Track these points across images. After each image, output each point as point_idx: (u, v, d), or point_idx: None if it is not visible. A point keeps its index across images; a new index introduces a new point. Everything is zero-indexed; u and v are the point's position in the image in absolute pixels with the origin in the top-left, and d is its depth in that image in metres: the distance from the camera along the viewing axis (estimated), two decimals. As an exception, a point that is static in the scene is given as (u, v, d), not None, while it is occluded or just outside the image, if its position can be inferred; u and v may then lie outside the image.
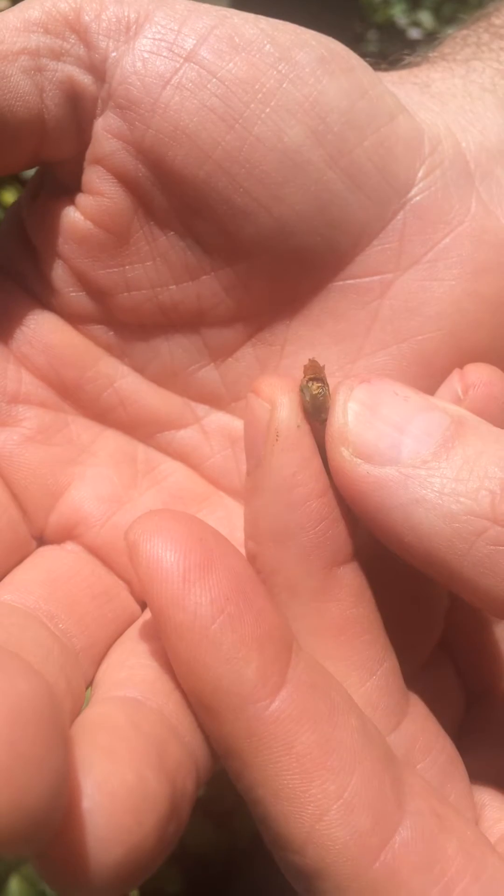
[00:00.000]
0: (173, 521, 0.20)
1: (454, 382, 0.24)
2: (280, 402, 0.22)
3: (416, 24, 1.67)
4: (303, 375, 0.22)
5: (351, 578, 0.22)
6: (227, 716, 0.18)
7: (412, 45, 0.31)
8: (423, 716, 0.22)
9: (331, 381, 0.25)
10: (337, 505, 0.21)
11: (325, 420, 0.21)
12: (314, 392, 0.21)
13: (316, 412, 0.21)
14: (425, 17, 1.68)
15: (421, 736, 0.22)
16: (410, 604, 0.24)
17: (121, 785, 0.16)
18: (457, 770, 0.22)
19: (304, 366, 0.22)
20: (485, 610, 0.20)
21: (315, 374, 0.22)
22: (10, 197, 1.00)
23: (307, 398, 0.21)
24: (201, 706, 0.19)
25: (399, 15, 1.69)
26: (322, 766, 0.18)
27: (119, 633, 0.23)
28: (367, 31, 1.70)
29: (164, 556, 0.19)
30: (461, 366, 0.24)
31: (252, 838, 1.03)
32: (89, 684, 0.21)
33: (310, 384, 0.22)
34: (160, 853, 0.17)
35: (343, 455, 0.20)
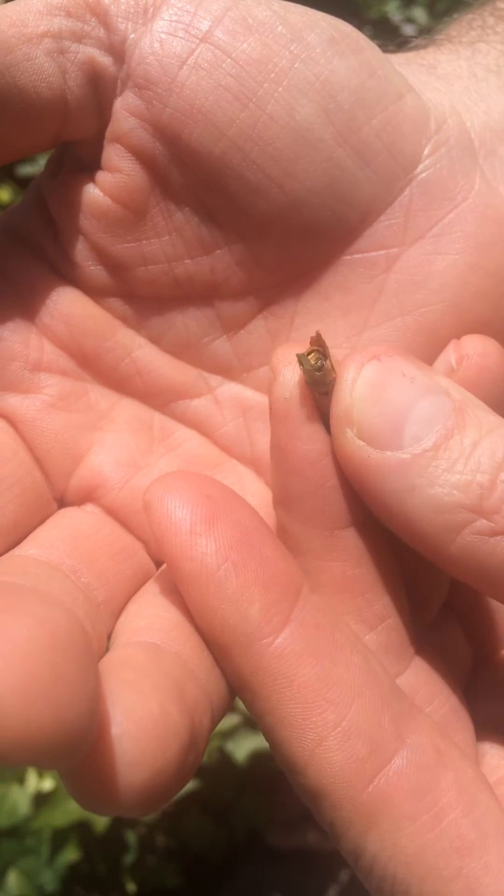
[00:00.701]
0: (184, 481, 0.21)
1: (450, 353, 0.24)
2: (277, 374, 0.22)
3: (411, 20, 1.68)
4: (308, 347, 0.23)
5: (353, 541, 0.22)
6: (236, 652, 0.20)
7: (406, 42, 0.31)
8: (426, 670, 0.23)
9: (338, 352, 0.26)
10: (335, 471, 0.22)
11: (326, 392, 0.22)
12: (310, 366, 0.22)
13: (314, 385, 0.22)
14: (419, 14, 1.69)
15: (423, 688, 0.23)
16: (415, 563, 0.24)
17: (147, 714, 0.18)
18: (460, 720, 0.23)
19: (311, 337, 0.23)
20: (472, 586, 0.21)
21: (317, 346, 0.22)
22: (5, 195, 1.00)
23: (304, 372, 0.22)
24: (214, 645, 0.21)
25: (393, 11, 1.70)
26: (322, 697, 0.20)
27: (136, 589, 0.24)
28: (361, 27, 1.71)
29: (175, 512, 0.21)
30: (461, 337, 0.25)
31: (249, 834, 1.04)
32: (109, 636, 0.22)
33: (308, 357, 0.22)
34: (181, 780, 0.18)
35: (346, 435, 0.21)
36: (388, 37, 0.34)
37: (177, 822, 1.06)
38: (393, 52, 0.30)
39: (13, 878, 0.96)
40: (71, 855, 0.99)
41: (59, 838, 0.98)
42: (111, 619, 0.23)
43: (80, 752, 0.16)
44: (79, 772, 0.17)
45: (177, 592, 0.21)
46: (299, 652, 0.20)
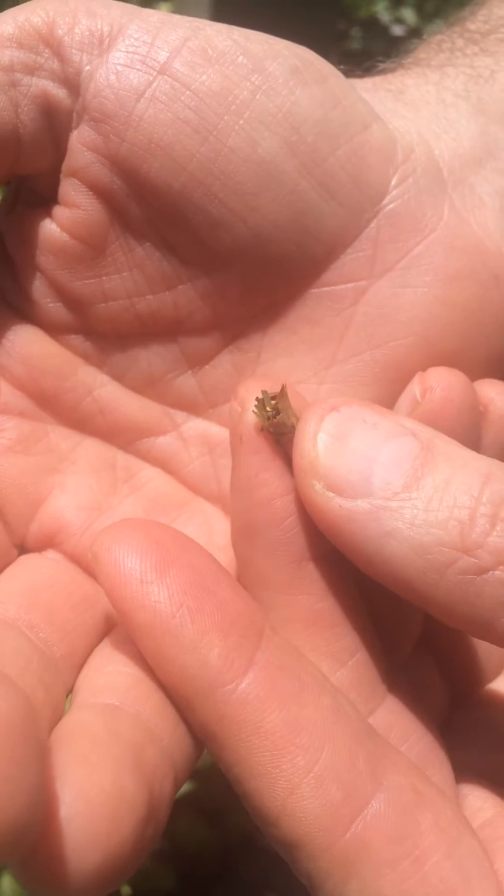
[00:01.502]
0: (132, 529, 0.21)
1: (414, 385, 0.24)
2: (247, 406, 0.22)
3: (400, 20, 1.67)
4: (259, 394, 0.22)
5: (321, 573, 0.22)
6: (199, 702, 0.19)
7: (395, 42, 0.31)
8: (400, 707, 0.23)
9: (305, 388, 0.25)
10: (301, 504, 0.22)
11: (283, 439, 0.22)
12: (265, 413, 0.22)
13: (272, 430, 0.22)
14: (408, 14, 1.69)
15: (397, 725, 0.22)
16: (387, 602, 0.24)
17: (98, 792, 0.17)
18: (437, 759, 0.23)
19: (277, 392, 0.22)
20: (462, 630, 0.21)
21: (278, 398, 0.22)
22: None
23: (259, 417, 0.22)
24: (176, 697, 0.20)
25: (382, 12, 1.69)
26: (291, 742, 0.19)
27: (99, 640, 0.23)
28: (350, 28, 1.70)
29: (123, 561, 0.20)
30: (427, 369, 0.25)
31: (244, 836, 1.04)
32: (70, 691, 0.22)
33: (265, 405, 0.22)
34: (139, 855, 0.18)
35: (314, 488, 0.21)
36: (377, 38, 0.33)
37: (171, 825, 1.06)
38: (360, 76, 0.30)
39: (6, 883, 0.96)
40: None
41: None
42: (71, 675, 0.22)
43: (21, 848, 0.15)
44: (26, 858, 0.16)
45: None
46: (264, 696, 0.19)
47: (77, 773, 0.17)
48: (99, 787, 0.17)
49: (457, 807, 0.21)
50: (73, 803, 0.17)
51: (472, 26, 0.32)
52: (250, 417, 0.22)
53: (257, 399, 0.22)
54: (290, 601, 0.22)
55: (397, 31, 1.61)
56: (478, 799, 0.22)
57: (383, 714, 0.22)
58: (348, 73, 0.30)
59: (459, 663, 0.27)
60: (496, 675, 0.27)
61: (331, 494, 0.20)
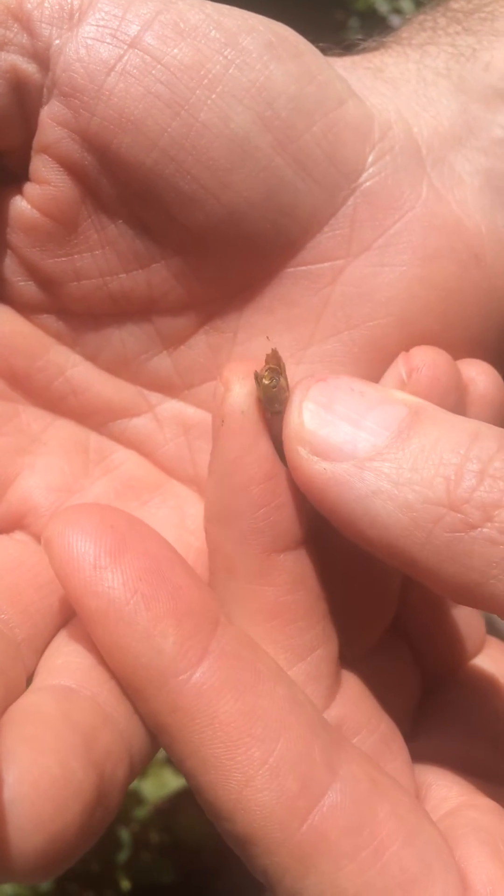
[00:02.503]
0: (86, 513, 0.20)
1: (399, 366, 0.24)
2: (231, 387, 0.22)
3: (398, 10, 1.67)
4: (264, 364, 0.22)
5: (290, 565, 0.22)
6: (151, 692, 0.19)
7: (354, 45, 0.30)
8: (354, 699, 0.22)
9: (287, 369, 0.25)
10: (281, 492, 0.21)
11: (279, 412, 0.21)
12: (265, 383, 0.21)
13: (269, 403, 0.21)
14: (406, 4, 1.68)
15: (350, 718, 0.22)
16: (360, 586, 0.24)
17: (43, 775, 0.17)
18: (389, 750, 0.22)
19: (267, 355, 0.22)
20: (447, 597, 0.20)
21: (273, 364, 0.22)
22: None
23: (259, 389, 0.21)
24: (128, 687, 0.19)
25: (380, 2, 1.69)
26: (246, 733, 0.18)
27: (64, 623, 0.23)
28: (348, 18, 1.69)
29: (76, 545, 0.19)
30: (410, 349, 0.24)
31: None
32: (32, 673, 0.21)
33: (264, 374, 0.22)
34: (86, 838, 0.18)
35: (300, 454, 0.20)
36: (375, 28, 0.33)
37: (170, 819, 1.06)
38: (340, 55, 0.29)
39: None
40: (64, 854, 0.99)
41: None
42: (34, 657, 0.22)
43: None
44: None
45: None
46: (219, 686, 0.19)
47: (23, 754, 0.17)
48: (45, 769, 0.17)
49: (413, 796, 0.20)
50: (17, 785, 0.16)
51: (455, 5, 0.32)
52: (234, 399, 0.21)
53: (257, 372, 0.22)
54: (256, 591, 0.22)
55: (395, 21, 1.60)
56: (443, 788, 0.22)
57: (337, 708, 0.22)
58: (328, 52, 0.29)
59: (436, 645, 0.27)
60: (471, 657, 0.27)
61: (315, 458, 0.20)
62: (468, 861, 0.19)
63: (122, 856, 1.03)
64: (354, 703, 0.22)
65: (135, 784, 1.05)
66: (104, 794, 0.18)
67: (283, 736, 0.19)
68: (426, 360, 0.23)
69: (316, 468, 0.20)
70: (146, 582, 0.19)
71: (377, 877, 0.18)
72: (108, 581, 0.19)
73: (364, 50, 0.30)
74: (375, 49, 0.30)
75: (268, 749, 0.18)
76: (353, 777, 0.19)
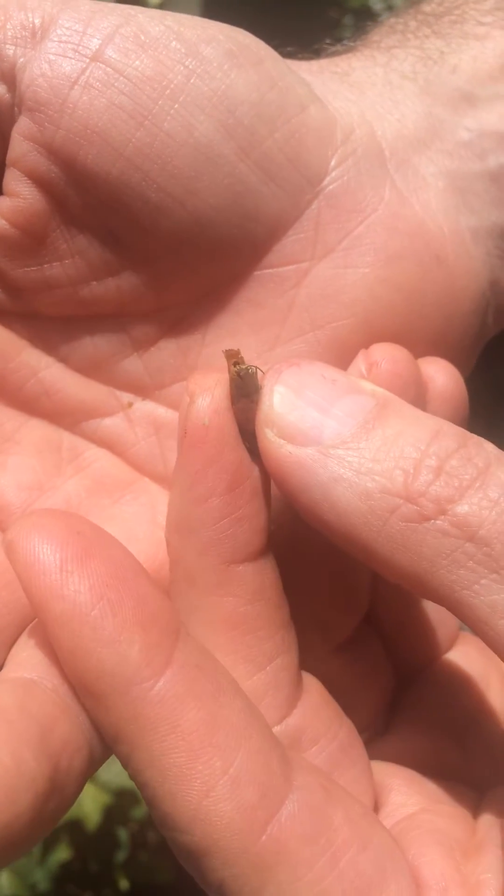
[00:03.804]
0: (50, 518, 0.20)
1: (359, 362, 0.24)
2: (194, 399, 0.22)
3: (391, 8, 1.67)
4: (227, 363, 0.22)
5: (250, 576, 0.22)
6: (113, 699, 0.19)
7: (323, 49, 0.31)
8: (314, 707, 0.22)
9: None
10: (241, 504, 0.21)
11: (252, 398, 0.22)
12: (233, 369, 0.22)
13: (239, 392, 0.22)
14: (399, 2, 1.68)
15: (309, 728, 0.22)
16: (330, 583, 0.24)
17: None
18: (347, 757, 0.22)
19: (224, 352, 0.22)
20: (402, 585, 0.20)
21: (235, 358, 0.22)
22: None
23: (231, 375, 0.22)
24: (87, 693, 0.19)
25: (374, 0, 1.69)
26: (208, 742, 0.18)
27: (32, 617, 0.23)
28: (342, 16, 1.69)
29: (41, 550, 0.19)
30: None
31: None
32: (0, 667, 0.22)
33: (234, 367, 0.22)
34: (38, 829, 0.18)
35: (268, 436, 0.21)
36: (369, 25, 0.33)
37: (169, 818, 1.06)
38: (309, 59, 0.29)
39: (5, 878, 0.97)
40: (63, 854, 0.99)
41: (51, 837, 0.98)
42: (2, 651, 0.22)
43: None
44: None
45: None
46: (183, 695, 0.19)
47: None
48: None
49: (364, 803, 0.21)
50: None
51: (427, 8, 0.32)
52: (197, 411, 0.21)
53: (229, 356, 0.22)
54: (216, 602, 0.22)
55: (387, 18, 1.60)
56: (403, 794, 0.22)
57: (296, 718, 0.22)
58: (297, 55, 0.29)
59: (407, 640, 0.27)
60: (443, 652, 0.27)
61: (282, 441, 0.21)
62: (421, 860, 0.20)
63: (120, 856, 1.03)
64: (314, 711, 0.22)
65: (132, 784, 1.05)
66: (59, 783, 0.18)
67: (244, 746, 0.19)
68: (385, 355, 0.24)
69: (282, 451, 0.20)
70: (112, 588, 0.19)
71: (334, 883, 0.18)
72: (75, 585, 0.19)
73: (333, 54, 0.30)
74: (344, 53, 0.30)
75: (229, 759, 0.19)
76: (307, 786, 0.19)
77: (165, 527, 0.23)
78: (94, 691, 0.19)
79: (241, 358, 0.22)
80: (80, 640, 0.19)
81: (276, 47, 0.26)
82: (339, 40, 0.31)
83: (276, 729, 0.22)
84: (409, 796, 0.22)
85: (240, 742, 0.19)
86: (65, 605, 0.19)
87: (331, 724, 0.23)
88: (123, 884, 1.01)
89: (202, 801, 0.18)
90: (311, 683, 0.23)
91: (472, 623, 0.19)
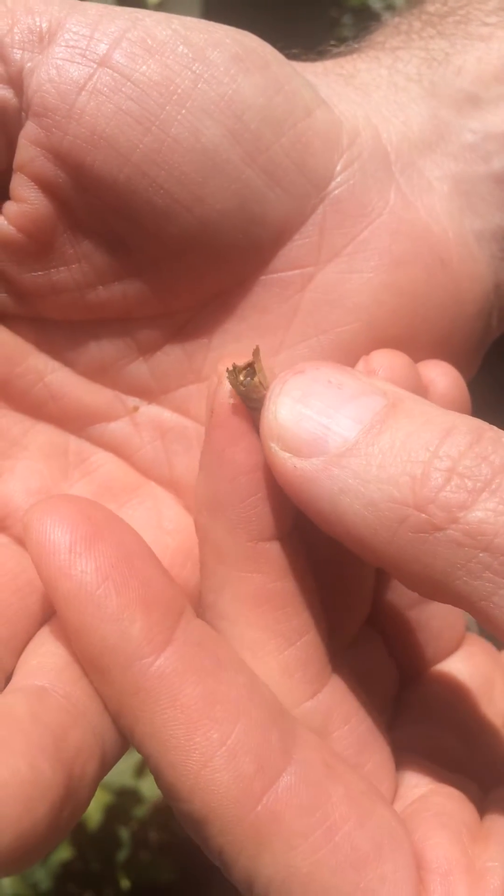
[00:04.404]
0: (63, 503, 0.21)
1: (359, 368, 0.24)
2: (222, 378, 0.22)
3: (391, 7, 1.66)
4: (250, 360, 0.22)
5: (277, 553, 0.22)
6: (116, 674, 0.20)
7: (327, 51, 0.31)
8: (343, 689, 0.23)
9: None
10: (268, 483, 0.22)
11: (256, 408, 0.22)
12: (237, 380, 0.22)
13: (244, 399, 0.22)
14: (400, 1, 1.68)
15: (339, 707, 0.23)
16: (333, 585, 0.24)
17: (13, 776, 0.18)
18: (376, 742, 0.23)
19: (253, 351, 0.22)
20: (418, 593, 0.20)
21: (251, 361, 0.22)
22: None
23: (232, 384, 0.22)
24: (92, 669, 0.20)
25: (373, -1, 1.68)
26: (206, 716, 0.19)
27: (41, 623, 0.24)
28: (342, 15, 1.69)
29: (53, 532, 0.20)
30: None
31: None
32: (10, 674, 0.22)
33: (240, 371, 0.22)
34: (55, 835, 0.18)
35: (273, 450, 0.21)
36: (369, 25, 0.33)
37: (169, 817, 1.06)
38: (314, 60, 0.29)
39: (7, 878, 0.97)
40: (64, 853, 0.99)
41: (52, 837, 0.99)
42: (12, 658, 0.22)
43: None
44: None
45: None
46: (182, 671, 0.19)
47: None
48: (14, 771, 0.18)
49: (368, 781, 0.21)
50: None
51: (431, 8, 0.32)
52: (223, 391, 0.22)
53: (229, 369, 0.22)
54: (245, 578, 0.22)
55: (389, 17, 1.60)
56: (415, 776, 0.23)
57: (327, 695, 0.22)
58: (303, 57, 0.29)
59: (410, 642, 0.27)
60: (447, 654, 0.28)
61: (287, 455, 0.20)
62: (426, 842, 0.20)
63: (122, 855, 1.03)
64: (343, 692, 0.23)
65: (134, 783, 1.05)
66: (73, 790, 0.19)
67: (242, 720, 0.19)
68: (384, 362, 0.24)
69: (287, 465, 0.20)
70: (118, 570, 0.20)
71: (329, 855, 0.19)
72: (82, 566, 0.20)
73: (338, 55, 0.30)
74: (349, 54, 0.30)
75: (226, 732, 0.19)
76: (307, 761, 0.20)
77: (194, 505, 0.23)
78: (98, 666, 0.20)
79: (258, 363, 0.22)
80: (85, 617, 0.20)
81: (280, 48, 0.26)
82: (338, 39, 0.31)
83: (308, 704, 0.22)
84: (420, 778, 0.23)
85: (238, 716, 0.19)
86: (72, 584, 0.20)
87: (360, 707, 0.23)
88: (125, 883, 1.02)
89: (200, 771, 0.19)
90: (342, 666, 0.24)
91: (493, 631, 0.19)
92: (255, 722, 0.19)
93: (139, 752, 0.20)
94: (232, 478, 0.22)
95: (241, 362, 0.22)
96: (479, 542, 0.18)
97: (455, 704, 0.26)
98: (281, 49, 0.26)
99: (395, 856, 0.19)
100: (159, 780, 0.20)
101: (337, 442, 0.20)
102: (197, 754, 0.19)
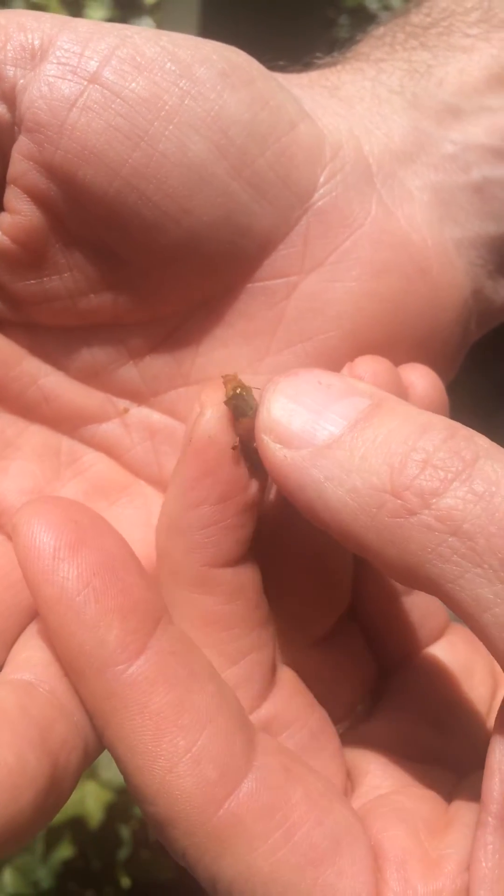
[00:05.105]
0: (52, 506, 0.22)
1: (344, 373, 0.25)
2: (204, 411, 0.23)
3: (387, 7, 1.67)
4: (225, 387, 0.23)
5: (229, 578, 0.23)
6: (90, 678, 0.20)
7: (312, 62, 0.31)
8: (286, 697, 0.24)
9: (244, 378, 0.26)
10: (230, 515, 0.23)
11: (249, 416, 0.23)
12: (235, 394, 0.23)
13: (236, 410, 0.23)
14: (396, 2, 1.68)
15: (279, 715, 0.24)
16: (311, 580, 0.25)
17: (1, 766, 0.19)
18: (317, 742, 0.24)
19: (222, 377, 0.23)
20: (395, 579, 0.21)
21: (233, 382, 0.23)
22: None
23: (227, 395, 0.23)
24: (70, 670, 0.21)
25: (370, 0, 1.69)
26: (174, 723, 0.20)
27: (31, 619, 0.24)
28: (338, 15, 1.70)
29: (39, 535, 0.21)
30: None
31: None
32: (2, 665, 0.23)
33: (230, 389, 0.23)
34: (39, 821, 0.20)
35: (266, 442, 0.22)
36: (365, 25, 0.34)
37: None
38: (299, 71, 0.30)
39: (8, 876, 0.98)
40: (65, 852, 1.00)
41: (53, 835, 0.99)
42: (3, 651, 0.23)
43: None
44: None
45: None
46: (153, 679, 0.20)
47: None
48: (3, 761, 0.19)
49: (328, 782, 0.22)
50: None
51: (415, 19, 0.33)
52: (204, 423, 0.23)
53: (224, 377, 0.23)
54: (196, 599, 0.23)
55: (385, 18, 1.60)
56: (377, 778, 0.24)
57: (267, 707, 0.24)
58: (289, 69, 0.30)
59: (392, 631, 0.28)
60: (433, 640, 0.28)
61: (278, 446, 0.21)
62: (383, 835, 0.21)
63: (123, 853, 1.04)
64: (285, 702, 0.24)
65: (134, 782, 1.05)
66: (58, 780, 0.20)
67: (208, 728, 0.20)
68: (368, 369, 0.25)
69: (278, 454, 0.21)
70: (99, 577, 0.21)
71: (289, 855, 0.20)
72: (64, 572, 0.21)
73: (324, 66, 0.31)
74: (334, 65, 0.31)
75: (192, 739, 0.20)
76: (267, 767, 0.21)
77: (157, 523, 0.24)
78: (74, 669, 0.21)
79: (239, 381, 0.23)
80: (64, 622, 0.21)
81: (275, 50, 0.26)
82: (335, 39, 0.32)
83: (252, 716, 0.23)
84: (383, 779, 0.24)
85: (204, 724, 0.20)
86: (53, 590, 0.21)
87: (300, 714, 0.24)
88: (125, 882, 1.02)
89: (166, 776, 0.20)
90: (286, 676, 0.24)
91: (459, 614, 0.20)
92: (220, 730, 0.20)
93: (110, 753, 0.21)
94: (196, 505, 0.23)
95: (230, 374, 0.23)
96: (448, 526, 0.19)
97: (434, 692, 0.27)
98: (272, 58, 0.27)
99: (353, 850, 0.20)
100: (127, 781, 0.21)
101: (324, 435, 0.21)
102: (163, 760, 0.20)
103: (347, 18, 1.67)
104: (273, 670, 0.24)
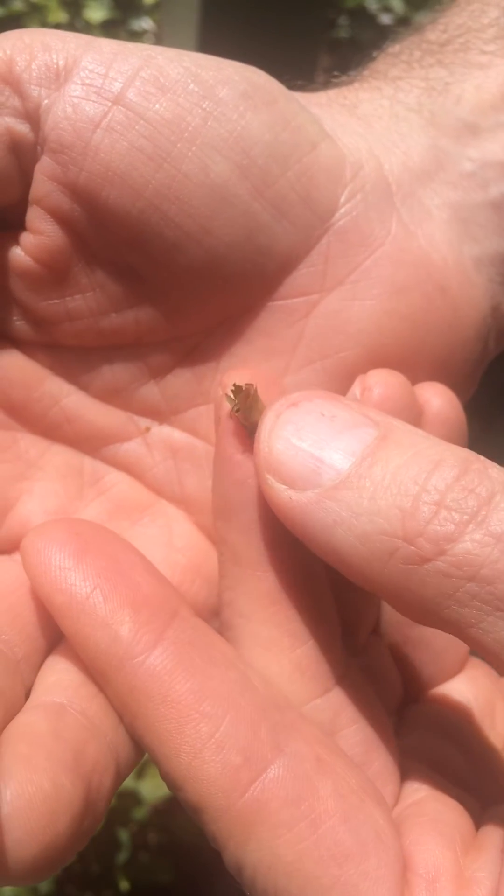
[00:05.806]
0: (56, 525, 0.23)
1: (355, 387, 0.25)
2: (227, 390, 0.23)
3: (388, 9, 1.67)
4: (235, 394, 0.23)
5: (290, 553, 0.23)
6: (111, 675, 0.21)
7: (383, 31, 0.31)
8: (353, 690, 0.24)
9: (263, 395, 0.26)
10: None
11: (253, 425, 0.23)
12: (233, 403, 0.23)
13: (243, 421, 0.23)
14: (396, 3, 1.68)
15: (348, 707, 0.23)
16: (345, 587, 0.25)
17: (37, 791, 0.19)
18: (382, 745, 0.24)
19: (234, 388, 0.23)
20: (413, 620, 0.21)
21: (244, 393, 0.23)
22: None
23: (230, 405, 0.23)
24: (94, 673, 0.22)
25: (370, 0, 1.69)
26: (196, 710, 0.20)
27: (58, 640, 0.24)
28: (338, 16, 1.70)
29: (45, 552, 0.22)
30: None
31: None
32: (30, 688, 0.23)
33: (236, 397, 0.23)
34: (75, 845, 0.20)
35: (269, 483, 0.21)
36: (365, 26, 0.34)
37: (168, 819, 1.07)
38: (316, 90, 0.30)
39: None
40: (64, 855, 1.00)
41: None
42: (32, 673, 0.23)
43: None
44: None
45: None
46: (171, 669, 0.20)
47: (19, 773, 0.19)
48: (38, 786, 0.19)
49: (363, 777, 0.22)
50: (14, 801, 0.19)
51: (431, 36, 0.33)
52: (229, 401, 0.23)
53: (232, 387, 0.23)
54: (259, 577, 0.23)
55: (385, 19, 1.60)
56: (415, 782, 0.24)
57: (337, 694, 0.23)
58: (307, 87, 0.30)
59: (411, 660, 0.28)
60: (450, 675, 0.28)
61: (283, 487, 0.21)
62: (417, 846, 0.21)
63: (122, 857, 1.04)
64: (354, 691, 0.24)
65: (133, 785, 1.06)
66: (92, 802, 0.20)
67: (230, 714, 0.20)
68: (379, 380, 0.25)
69: (283, 497, 0.21)
70: (105, 578, 0.21)
71: (312, 847, 0.20)
72: (71, 579, 0.21)
73: (342, 83, 0.31)
74: (352, 83, 0.31)
75: (215, 725, 0.20)
76: (297, 755, 0.21)
77: (212, 512, 0.24)
78: (97, 670, 0.21)
79: (252, 388, 0.23)
80: (79, 626, 0.21)
81: (275, 50, 0.26)
82: (335, 41, 0.32)
83: (318, 701, 0.23)
84: (422, 783, 0.23)
85: (227, 710, 0.20)
86: (64, 598, 0.21)
87: (369, 709, 0.24)
88: (124, 885, 1.02)
89: (191, 762, 0.20)
90: (353, 668, 0.24)
91: (481, 653, 0.19)
92: (244, 716, 0.20)
93: (141, 746, 0.21)
94: (241, 483, 0.23)
95: (235, 383, 0.23)
96: (465, 572, 0.19)
97: (457, 722, 0.27)
98: (273, 58, 0.27)
99: (380, 854, 0.20)
100: (159, 770, 0.21)
101: (330, 474, 0.20)
102: (187, 747, 0.20)
103: (347, 19, 1.68)
104: (343, 654, 0.24)
